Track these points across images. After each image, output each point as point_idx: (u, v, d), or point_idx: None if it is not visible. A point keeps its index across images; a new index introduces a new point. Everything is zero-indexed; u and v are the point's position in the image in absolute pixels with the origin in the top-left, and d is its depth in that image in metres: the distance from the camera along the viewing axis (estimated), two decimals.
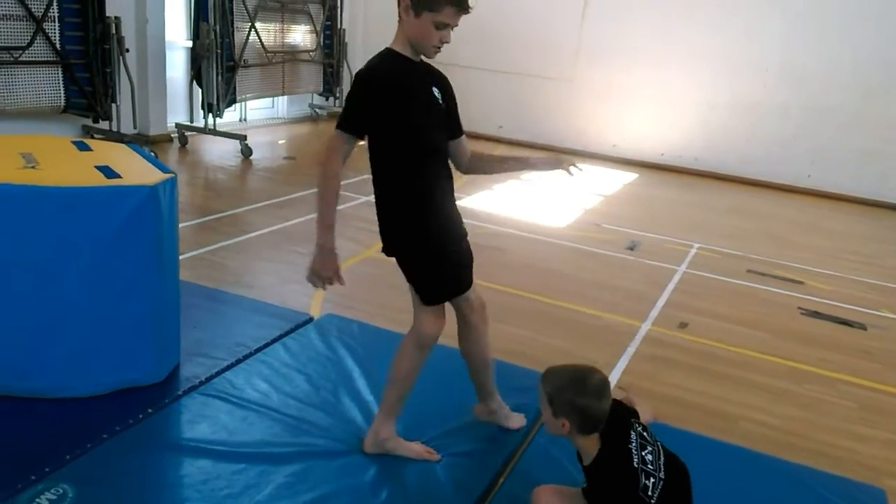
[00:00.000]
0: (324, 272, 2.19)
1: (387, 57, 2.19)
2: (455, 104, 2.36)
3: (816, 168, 8.31)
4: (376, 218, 2.32)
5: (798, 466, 2.77)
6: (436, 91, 2.28)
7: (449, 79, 2.35)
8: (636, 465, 1.93)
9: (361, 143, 2.21)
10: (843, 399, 3.46)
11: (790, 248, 6.06)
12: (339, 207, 2.23)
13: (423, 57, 2.23)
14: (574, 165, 2.47)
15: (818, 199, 8.19)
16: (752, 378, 3.60)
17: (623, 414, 2.06)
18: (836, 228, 7.10)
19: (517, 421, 2.74)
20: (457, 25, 2.14)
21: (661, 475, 1.96)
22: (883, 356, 4.02)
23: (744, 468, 2.69)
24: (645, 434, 2.04)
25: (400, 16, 2.15)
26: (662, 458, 2.00)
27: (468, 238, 2.40)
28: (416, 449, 2.50)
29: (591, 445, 2.00)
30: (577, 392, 1.95)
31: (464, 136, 2.43)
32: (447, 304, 2.39)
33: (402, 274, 2.33)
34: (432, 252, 2.29)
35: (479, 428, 2.71)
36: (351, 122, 2.15)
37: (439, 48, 2.16)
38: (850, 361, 3.90)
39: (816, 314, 4.53)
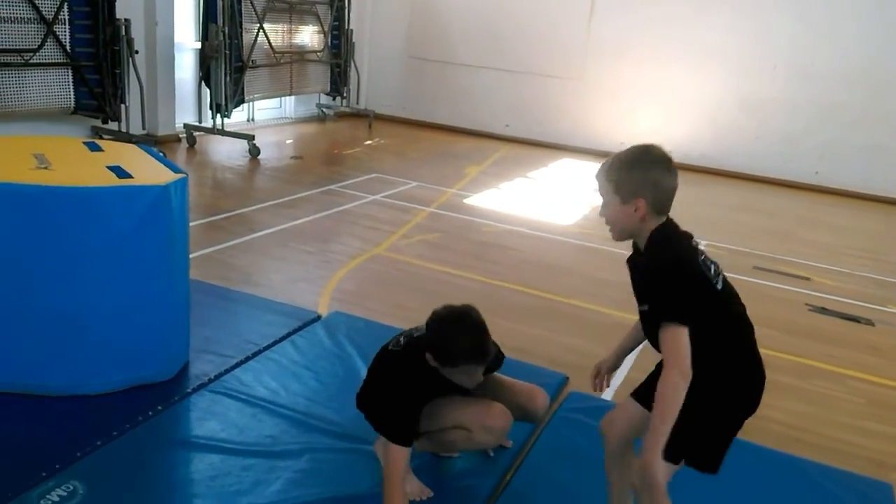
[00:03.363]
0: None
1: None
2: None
3: (824, 164, 8.28)
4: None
5: (805, 462, 2.78)
6: None
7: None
8: (701, 250, 1.87)
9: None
10: (850, 395, 3.46)
11: (797, 244, 6.04)
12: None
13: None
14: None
15: (825, 196, 8.16)
16: None
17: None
18: (843, 224, 7.07)
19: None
20: None
21: (721, 277, 1.92)
22: (890, 352, 4.02)
23: (751, 464, 2.69)
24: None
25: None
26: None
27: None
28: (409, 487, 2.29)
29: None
30: (644, 164, 1.81)
31: None
32: None
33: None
34: None
35: None
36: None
37: None
38: (858, 357, 3.89)
39: (824, 310, 4.52)
